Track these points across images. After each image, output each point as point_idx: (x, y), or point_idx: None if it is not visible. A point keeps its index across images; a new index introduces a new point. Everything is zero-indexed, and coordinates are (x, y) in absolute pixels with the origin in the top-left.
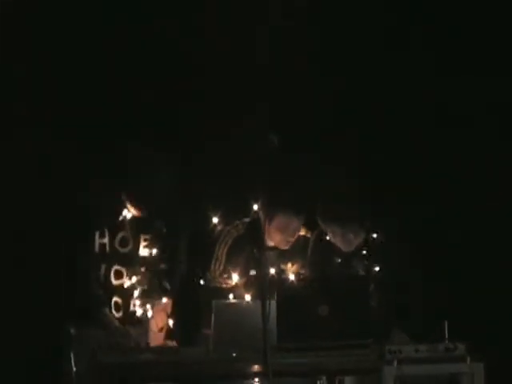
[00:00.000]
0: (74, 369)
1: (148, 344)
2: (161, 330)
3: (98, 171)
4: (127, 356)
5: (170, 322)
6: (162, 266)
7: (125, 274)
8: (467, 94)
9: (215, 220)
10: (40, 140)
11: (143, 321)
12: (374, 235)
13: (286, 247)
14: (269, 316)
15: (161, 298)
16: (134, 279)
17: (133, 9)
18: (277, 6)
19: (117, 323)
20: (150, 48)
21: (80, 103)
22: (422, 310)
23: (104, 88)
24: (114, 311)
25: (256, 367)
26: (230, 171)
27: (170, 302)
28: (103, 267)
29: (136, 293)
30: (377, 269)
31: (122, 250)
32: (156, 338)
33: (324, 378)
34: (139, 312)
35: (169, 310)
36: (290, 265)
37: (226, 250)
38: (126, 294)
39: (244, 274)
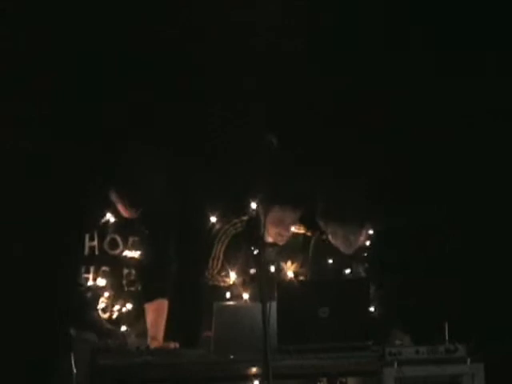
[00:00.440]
0: (74, 371)
1: (147, 346)
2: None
3: (88, 171)
4: (127, 358)
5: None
6: (153, 266)
7: (114, 275)
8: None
9: (213, 219)
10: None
11: (136, 323)
12: (374, 235)
13: (282, 242)
14: (269, 318)
15: (153, 299)
16: (124, 281)
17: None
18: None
19: (107, 325)
20: (148, 46)
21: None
22: (422, 312)
23: (99, 87)
24: (101, 313)
25: (256, 369)
26: (228, 169)
27: (165, 302)
28: (92, 269)
29: (125, 295)
30: (376, 269)
31: (111, 252)
32: (155, 339)
33: (325, 379)
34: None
35: (164, 310)
36: (289, 263)
37: (223, 248)
38: (116, 295)
39: (242, 272)
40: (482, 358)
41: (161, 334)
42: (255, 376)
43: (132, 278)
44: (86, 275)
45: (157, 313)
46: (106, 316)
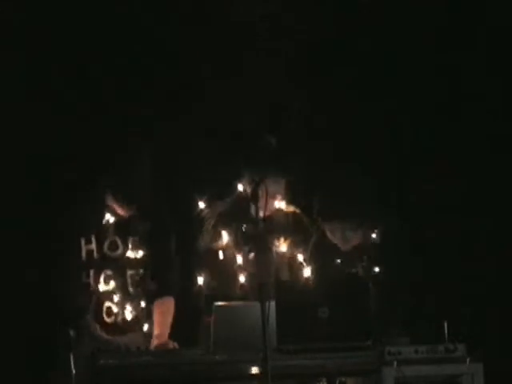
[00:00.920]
0: (74, 371)
1: (147, 347)
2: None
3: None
4: (127, 358)
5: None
6: (153, 266)
7: (118, 278)
8: None
9: (201, 205)
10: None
11: (139, 325)
12: (374, 235)
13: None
14: (268, 317)
15: (161, 297)
16: (129, 282)
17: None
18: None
19: (100, 331)
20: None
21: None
22: (422, 311)
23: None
24: (106, 317)
25: (256, 369)
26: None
27: (172, 300)
28: (91, 272)
29: (127, 296)
30: (376, 269)
31: (112, 255)
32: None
33: (324, 379)
34: (133, 316)
35: (172, 308)
36: (282, 239)
37: (212, 222)
38: (117, 298)
39: (234, 231)
40: (482, 357)
41: (167, 332)
42: (255, 376)
43: (137, 278)
44: (86, 280)
45: (165, 311)
46: (111, 320)
